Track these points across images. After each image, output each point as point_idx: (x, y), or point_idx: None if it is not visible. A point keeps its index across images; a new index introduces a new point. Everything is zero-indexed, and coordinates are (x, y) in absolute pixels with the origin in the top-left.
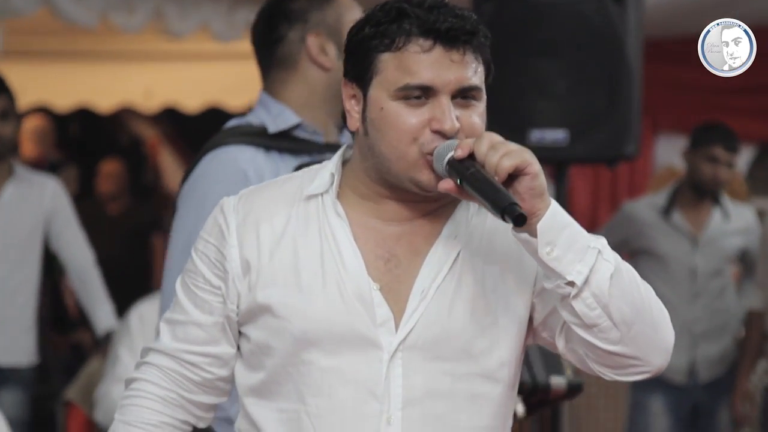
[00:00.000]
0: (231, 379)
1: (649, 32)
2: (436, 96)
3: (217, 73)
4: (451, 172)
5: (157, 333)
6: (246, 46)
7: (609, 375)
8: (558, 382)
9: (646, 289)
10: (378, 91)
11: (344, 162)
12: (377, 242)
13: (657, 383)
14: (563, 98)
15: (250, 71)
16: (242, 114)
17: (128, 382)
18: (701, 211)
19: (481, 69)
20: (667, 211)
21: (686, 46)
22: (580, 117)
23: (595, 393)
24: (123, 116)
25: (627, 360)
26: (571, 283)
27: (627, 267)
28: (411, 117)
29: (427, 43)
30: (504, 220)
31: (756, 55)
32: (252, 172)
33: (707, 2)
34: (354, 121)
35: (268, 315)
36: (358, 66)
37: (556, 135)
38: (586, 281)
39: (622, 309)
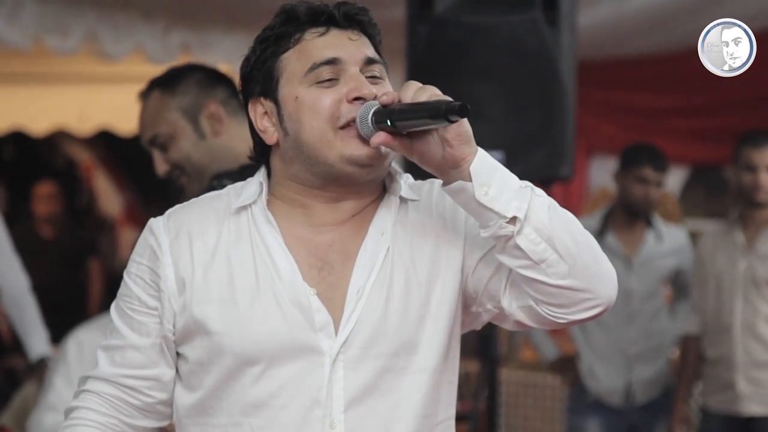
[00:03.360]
0: (171, 403)
1: (583, 54)
2: (345, 70)
3: None
4: (379, 119)
5: (96, 361)
6: None
7: (561, 316)
8: None
9: (581, 225)
10: (288, 87)
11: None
12: (309, 251)
13: (594, 406)
14: (498, 120)
15: None
16: None
17: (68, 412)
18: (634, 232)
19: (378, 58)
20: (600, 233)
21: (620, 69)
22: (516, 139)
23: (532, 416)
24: (57, 139)
25: (578, 294)
26: (513, 220)
27: (559, 206)
28: (326, 97)
29: (321, 28)
30: (449, 120)
31: (687, 79)
32: None
33: (640, 25)
34: (271, 134)
35: (205, 333)
36: (262, 79)
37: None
38: (526, 216)
39: (565, 240)
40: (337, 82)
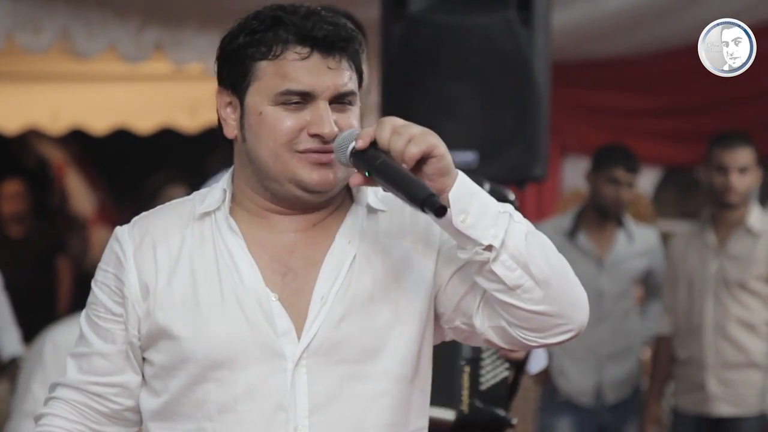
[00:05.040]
0: (139, 410)
1: (557, 55)
2: (314, 101)
3: (125, 95)
4: (357, 163)
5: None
6: (154, 67)
7: (534, 339)
8: (435, 413)
9: (556, 251)
10: (256, 98)
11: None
12: (272, 256)
13: (565, 406)
14: (473, 120)
15: (159, 93)
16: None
17: (37, 418)
18: (605, 233)
19: (355, 76)
20: (572, 234)
21: (594, 69)
22: (489, 139)
23: None
24: (29, 138)
25: (552, 319)
26: (489, 248)
27: (537, 231)
28: (288, 120)
29: (305, 50)
30: (424, 211)
31: (661, 80)
32: None
33: (614, 27)
34: (231, 128)
35: (168, 337)
36: (234, 74)
37: (465, 157)
38: (502, 244)
39: (541, 267)
40: (303, 107)
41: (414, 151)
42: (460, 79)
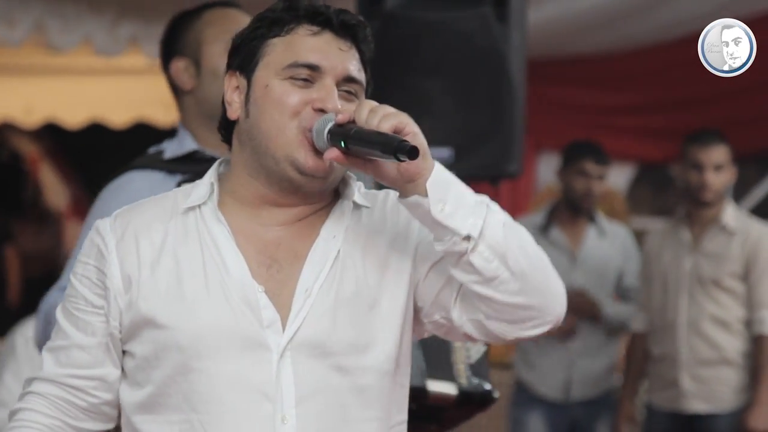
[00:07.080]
0: (117, 404)
1: (532, 52)
2: (321, 78)
3: (99, 89)
4: (334, 138)
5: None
6: (129, 61)
7: (510, 332)
8: (440, 387)
9: (534, 242)
10: (264, 72)
11: (220, 175)
12: (258, 249)
13: (536, 401)
14: (447, 116)
15: (133, 86)
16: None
17: (12, 414)
18: (577, 227)
19: (363, 75)
20: (545, 228)
21: (568, 66)
22: (464, 135)
23: None
24: (2, 131)
25: (528, 312)
26: (467, 238)
27: (514, 222)
28: (294, 95)
29: (317, 28)
30: (398, 159)
31: (635, 77)
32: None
33: (589, 23)
34: (234, 109)
35: (152, 327)
36: (244, 54)
37: (440, 153)
38: (480, 234)
39: (518, 258)
40: (310, 85)
41: (386, 125)
42: (436, 75)
